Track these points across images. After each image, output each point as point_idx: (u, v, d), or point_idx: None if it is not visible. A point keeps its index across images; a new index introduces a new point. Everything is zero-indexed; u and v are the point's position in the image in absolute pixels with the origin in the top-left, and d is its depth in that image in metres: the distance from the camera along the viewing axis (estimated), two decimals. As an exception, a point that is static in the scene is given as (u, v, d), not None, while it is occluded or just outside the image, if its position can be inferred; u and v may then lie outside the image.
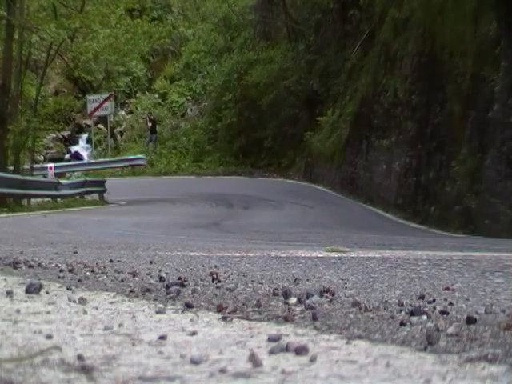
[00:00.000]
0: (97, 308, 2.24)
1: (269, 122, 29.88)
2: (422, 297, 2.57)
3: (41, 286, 2.61)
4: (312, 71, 29.01)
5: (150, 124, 35.47)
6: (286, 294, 2.48)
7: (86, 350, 1.53)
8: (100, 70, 38.05)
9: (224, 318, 2.03)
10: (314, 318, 2.02)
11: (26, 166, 23.19)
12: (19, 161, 21.97)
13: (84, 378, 1.29)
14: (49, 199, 21.69)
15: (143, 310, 2.20)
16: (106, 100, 35.23)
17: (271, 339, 1.66)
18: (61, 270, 3.65)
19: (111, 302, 2.40)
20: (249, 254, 5.10)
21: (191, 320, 2.01)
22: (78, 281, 3.17)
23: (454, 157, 13.13)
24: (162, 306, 2.27)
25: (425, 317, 2.04)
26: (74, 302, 2.37)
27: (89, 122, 37.47)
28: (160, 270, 3.69)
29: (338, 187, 22.44)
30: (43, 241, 7.36)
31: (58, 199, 22.16)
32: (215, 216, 16.03)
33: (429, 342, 1.61)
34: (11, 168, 21.14)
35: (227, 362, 1.44)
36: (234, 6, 36.34)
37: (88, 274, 3.53)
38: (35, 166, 25.28)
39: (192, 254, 5.27)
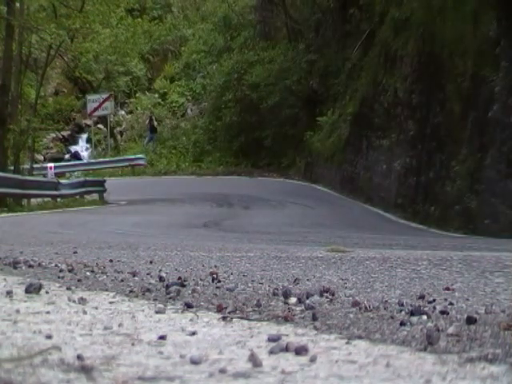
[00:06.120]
0: (96, 308, 2.24)
1: (269, 121, 29.88)
2: (421, 297, 2.56)
3: (40, 286, 2.61)
4: (312, 71, 29.00)
5: (155, 123, 35.47)
6: (286, 294, 2.48)
7: (85, 350, 1.53)
8: (100, 69, 38.07)
9: (224, 318, 2.03)
10: (314, 318, 2.02)
11: (26, 166, 23.19)
12: (19, 161, 21.96)
13: (84, 377, 1.29)
14: (49, 199, 21.69)
15: (143, 310, 2.20)
16: (105, 100, 35.24)
17: (271, 339, 1.66)
18: (61, 270, 3.65)
19: (111, 302, 2.40)
20: (249, 254, 5.10)
21: (191, 320, 2.01)
22: (78, 281, 3.17)
23: (454, 157, 13.12)
24: (161, 305, 2.27)
25: (425, 317, 2.04)
26: (74, 301, 2.37)
27: (89, 121, 37.48)
28: (160, 270, 3.69)
29: (338, 187, 22.43)
30: (43, 241, 7.36)
31: (58, 199, 22.15)
32: (215, 216, 16.03)
33: (429, 342, 1.61)
34: (11, 168, 21.13)
35: (227, 361, 1.44)
36: (234, 6, 36.33)
37: (88, 273, 3.53)
38: (35, 165, 25.27)
39: (192, 253, 5.27)
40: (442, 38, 14.73)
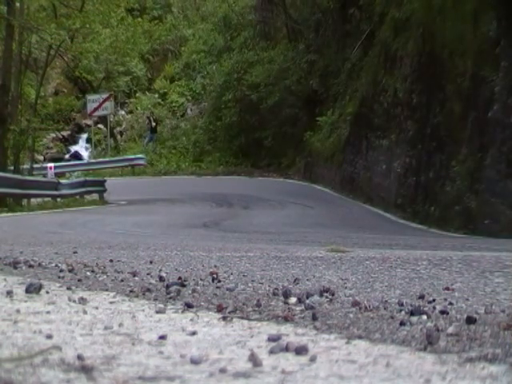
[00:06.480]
0: (97, 308, 2.24)
1: (269, 121, 29.89)
2: (421, 297, 2.57)
3: (41, 286, 2.61)
4: (312, 71, 29.01)
5: (154, 123, 35.50)
6: (286, 294, 2.49)
7: (85, 350, 1.53)
8: (100, 69, 38.07)
9: (224, 318, 2.03)
10: (314, 318, 2.02)
11: (26, 166, 23.19)
12: (19, 161, 21.96)
13: (84, 377, 1.29)
14: (49, 199, 21.69)
15: (143, 310, 2.21)
16: (105, 100, 35.25)
17: (271, 339, 1.66)
18: (61, 270, 3.65)
19: (111, 302, 2.40)
20: (249, 254, 5.11)
21: (191, 320, 2.01)
22: (78, 281, 3.17)
23: (454, 157, 13.12)
24: (162, 305, 2.27)
25: (425, 317, 2.04)
26: (74, 301, 2.37)
27: (89, 121, 37.48)
28: (160, 270, 3.70)
29: (338, 187, 22.43)
30: (43, 241, 7.36)
31: (58, 199, 22.15)
32: (215, 216, 16.03)
33: (429, 342, 1.61)
34: (11, 168, 21.13)
35: (227, 361, 1.44)
36: (234, 6, 36.35)
37: (88, 273, 3.53)
38: (35, 165, 25.27)
39: (192, 253, 5.28)
40: (442, 38, 14.73)
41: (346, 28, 26.57)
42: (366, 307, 2.24)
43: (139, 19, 27.97)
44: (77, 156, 36.48)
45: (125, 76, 40.06)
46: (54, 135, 36.70)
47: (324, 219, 15.27)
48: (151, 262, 4.32)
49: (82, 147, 37.85)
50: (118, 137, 38.35)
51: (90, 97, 36.16)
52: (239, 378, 1.31)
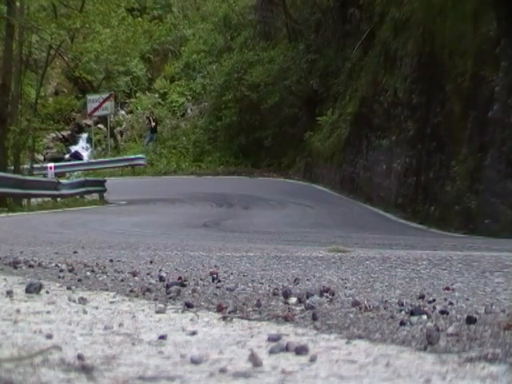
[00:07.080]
0: (97, 308, 2.24)
1: (269, 121, 29.89)
2: (421, 297, 2.57)
3: (41, 286, 2.61)
4: (312, 71, 29.00)
5: (153, 123, 35.49)
6: (286, 294, 2.49)
7: (86, 350, 1.53)
8: (100, 69, 38.07)
9: (224, 318, 2.03)
10: (314, 318, 2.02)
11: (26, 166, 23.18)
12: (19, 161, 21.96)
13: (84, 377, 1.29)
14: (49, 199, 21.69)
15: (143, 310, 2.21)
16: (105, 100, 35.24)
17: (271, 339, 1.66)
18: (61, 270, 3.66)
19: (111, 302, 2.40)
20: (249, 254, 5.11)
21: (191, 320, 2.01)
22: (78, 280, 3.17)
23: (454, 157, 13.12)
24: (162, 305, 2.27)
25: (425, 316, 2.04)
26: (74, 301, 2.37)
27: (89, 121, 37.47)
28: (160, 270, 3.70)
29: (338, 187, 22.42)
30: (43, 241, 7.37)
31: (58, 199, 22.15)
32: (215, 216, 16.02)
33: (429, 342, 1.61)
34: (11, 168, 21.13)
35: (227, 361, 1.44)
36: (234, 6, 36.34)
37: (88, 273, 3.53)
38: (35, 165, 25.27)
39: (192, 253, 5.28)
40: (442, 38, 14.73)
41: (346, 28, 26.56)
42: (366, 307, 2.24)
43: (139, 19, 27.94)
44: (77, 156, 36.46)
45: (125, 76, 40.05)
46: (54, 135, 36.66)
47: (324, 219, 15.27)
48: (151, 262, 4.32)
49: (82, 147, 37.84)
50: (118, 137, 38.33)
51: (90, 97, 36.16)
52: (239, 377, 1.31)
